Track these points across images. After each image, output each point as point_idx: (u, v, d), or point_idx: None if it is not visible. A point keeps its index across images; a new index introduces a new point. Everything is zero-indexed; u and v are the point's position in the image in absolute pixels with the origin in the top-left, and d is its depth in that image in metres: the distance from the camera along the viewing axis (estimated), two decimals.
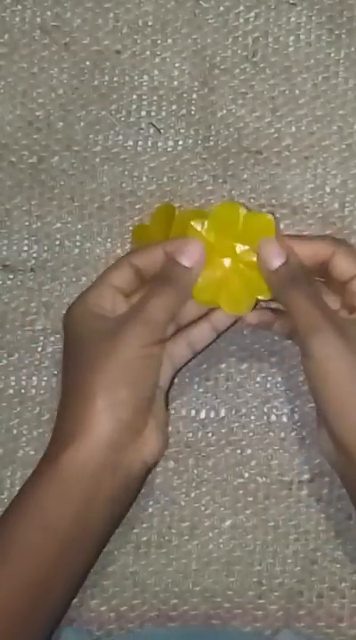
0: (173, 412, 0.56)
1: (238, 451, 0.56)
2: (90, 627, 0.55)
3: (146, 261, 0.53)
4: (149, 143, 0.57)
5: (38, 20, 0.58)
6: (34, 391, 0.57)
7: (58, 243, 0.57)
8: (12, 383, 0.57)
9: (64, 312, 0.53)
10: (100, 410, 0.49)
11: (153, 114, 0.57)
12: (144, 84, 0.58)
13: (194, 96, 0.57)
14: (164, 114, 0.57)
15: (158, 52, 0.58)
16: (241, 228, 0.52)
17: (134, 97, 0.58)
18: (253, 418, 0.56)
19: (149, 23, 0.58)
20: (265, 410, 0.56)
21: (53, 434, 0.51)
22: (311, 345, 0.48)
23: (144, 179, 0.57)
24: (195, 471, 0.56)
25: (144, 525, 0.55)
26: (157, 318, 0.51)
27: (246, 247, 0.52)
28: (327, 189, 0.57)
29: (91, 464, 0.49)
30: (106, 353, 0.50)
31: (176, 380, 0.56)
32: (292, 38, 0.57)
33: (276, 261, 0.51)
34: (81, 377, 0.50)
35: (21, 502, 0.50)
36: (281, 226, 0.57)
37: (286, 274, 0.51)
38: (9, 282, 0.57)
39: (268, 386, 0.56)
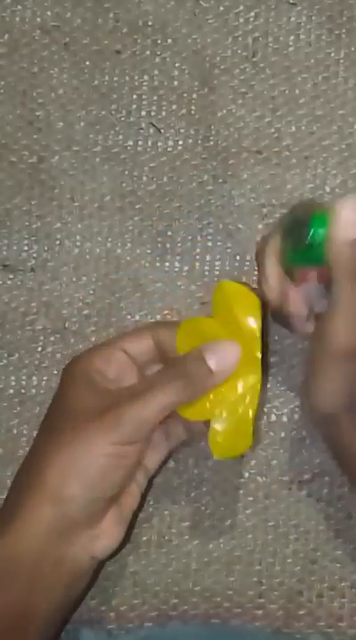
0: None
1: None
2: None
3: (172, 339, 0.48)
4: (149, 143, 0.57)
5: (38, 19, 0.58)
6: (34, 391, 0.57)
7: (58, 242, 0.57)
8: (13, 383, 0.57)
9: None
10: (44, 499, 0.44)
11: (153, 114, 0.58)
12: (144, 83, 0.58)
13: (194, 96, 0.57)
14: (164, 114, 0.57)
15: (158, 52, 0.58)
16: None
17: (134, 97, 0.58)
18: None
19: (149, 23, 0.58)
20: (265, 410, 0.56)
21: (4, 502, 0.47)
22: None
23: (144, 178, 0.57)
24: (195, 471, 0.56)
25: (144, 525, 0.55)
26: (147, 417, 0.44)
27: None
28: (327, 189, 0.57)
29: (27, 555, 0.44)
30: (73, 438, 0.44)
31: None
32: (292, 38, 0.57)
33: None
34: (43, 451, 0.46)
35: None
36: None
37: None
38: (9, 282, 0.57)
39: (268, 385, 0.56)
